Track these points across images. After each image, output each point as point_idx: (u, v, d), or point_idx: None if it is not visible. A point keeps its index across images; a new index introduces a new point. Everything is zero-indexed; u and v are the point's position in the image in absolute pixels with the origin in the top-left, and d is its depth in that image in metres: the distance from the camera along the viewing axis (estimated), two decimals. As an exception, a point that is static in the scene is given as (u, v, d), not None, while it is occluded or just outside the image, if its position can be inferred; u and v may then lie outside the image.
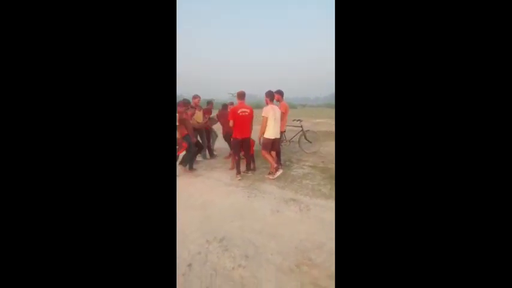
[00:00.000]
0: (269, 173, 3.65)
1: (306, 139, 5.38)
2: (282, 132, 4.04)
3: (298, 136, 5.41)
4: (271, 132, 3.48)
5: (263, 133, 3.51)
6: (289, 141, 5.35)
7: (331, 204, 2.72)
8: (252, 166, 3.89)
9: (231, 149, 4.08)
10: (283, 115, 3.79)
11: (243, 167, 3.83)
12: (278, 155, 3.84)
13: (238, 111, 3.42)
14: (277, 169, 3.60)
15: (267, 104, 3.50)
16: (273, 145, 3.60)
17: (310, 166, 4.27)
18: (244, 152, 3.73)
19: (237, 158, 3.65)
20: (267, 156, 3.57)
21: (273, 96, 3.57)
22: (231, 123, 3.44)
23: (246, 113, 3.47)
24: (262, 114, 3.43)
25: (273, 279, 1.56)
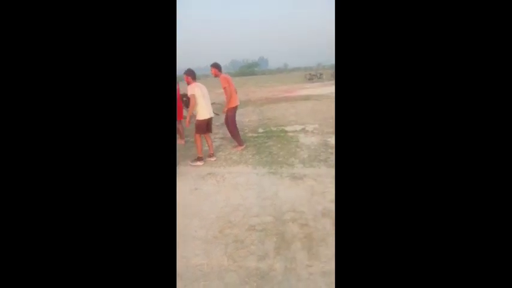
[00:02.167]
0: (196, 159, 3.27)
1: (214, 112, 5.42)
2: (235, 108, 3.59)
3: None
4: (205, 111, 3.13)
5: (190, 115, 3.12)
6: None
7: (242, 169, 3.06)
8: None
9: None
10: (228, 89, 3.40)
11: None
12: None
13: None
14: (212, 155, 3.36)
15: (189, 83, 3.12)
16: (207, 126, 3.25)
17: (221, 138, 4.46)
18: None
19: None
20: (199, 141, 3.19)
21: (194, 74, 3.21)
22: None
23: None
24: (188, 93, 3.05)
25: (200, 252, 1.70)
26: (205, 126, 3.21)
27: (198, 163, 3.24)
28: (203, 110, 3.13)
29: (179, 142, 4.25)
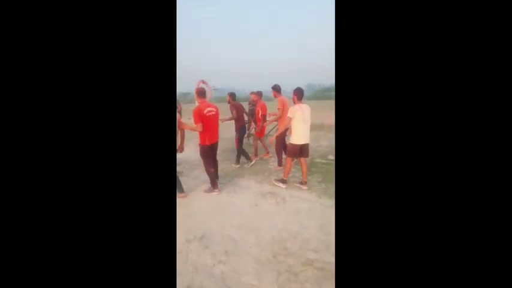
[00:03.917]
0: (280, 180, 3.20)
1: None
2: (285, 130, 3.53)
3: (274, 130, 5.53)
4: (300, 136, 2.94)
5: (281, 133, 3.16)
6: (268, 135, 5.47)
7: (305, 195, 2.90)
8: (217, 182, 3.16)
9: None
10: (281, 110, 3.54)
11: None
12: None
13: (205, 111, 2.78)
14: (304, 184, 3.14)
15: (295, 102, 2.96)
16: (302, 152, 3.04)
17: (284, 158, 4.43)
18: (213, 162, 3.10)
19: (212, 170, 3.00)
20: (289, 164, 3.11)
21: (302, 93, 2.97)
22: (199, 127, 2.78)
23: (213, 113, 2.87)
24: (288, 115, 2.92)
25: (251, 271, 1.66)
26: (297, 151, 3.02)
27: (281, 185, 3.13)
28: (297, 134, 2.95)
29: (253, 159, 4.28)
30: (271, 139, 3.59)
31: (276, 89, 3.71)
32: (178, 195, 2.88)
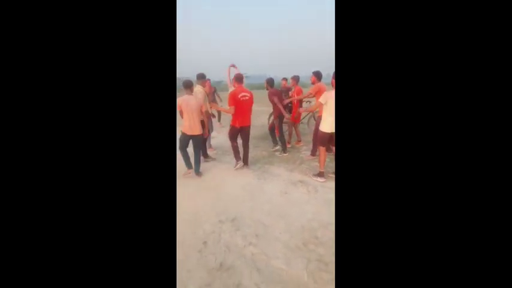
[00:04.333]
0: (318, 174, 2.99)
1: (315, 120, 5.30)
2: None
3: (307, 117, 5.35)
4: (329, 124, 2.77)
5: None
6: (302, 122, 5.33)
7: (339, 185, 2.78)
8: (247, 160, 3.44)
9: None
10: (315, 97, 3.46)
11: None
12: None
13: (239, 96, 2.98)
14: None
15: (333, 86, 2.76)
16: (332, 140, 2.97)
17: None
18: (243, 142, 3.37)
19: (235, 144, 3.31)
20: (323, 154, 2.92)
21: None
22: (231, 109, 2.98)
23: (246, 98, 3.05)
24: (319, 100, 2.80)
25: (281, 256, 1.69)
26: (327, 139, 2.87)
27: (319, 179, 2.93)
28: (327, 122, 2.78)
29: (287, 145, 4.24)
30: (303, 110, 3.81)
31: (317, 74, 3.57)
32: (187, 171, 3.13)
